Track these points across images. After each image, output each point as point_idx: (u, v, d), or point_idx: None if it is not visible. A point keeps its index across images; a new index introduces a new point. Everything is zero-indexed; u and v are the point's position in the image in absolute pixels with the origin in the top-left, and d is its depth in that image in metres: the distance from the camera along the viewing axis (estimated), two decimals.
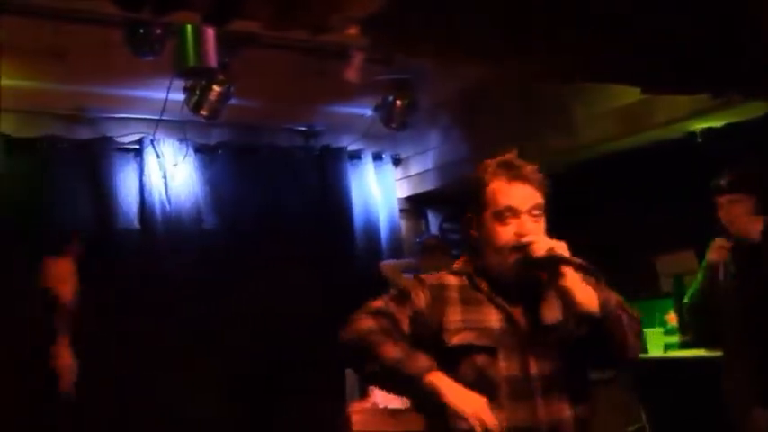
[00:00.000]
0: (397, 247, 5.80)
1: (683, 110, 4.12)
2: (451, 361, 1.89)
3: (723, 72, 3.04)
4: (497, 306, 1.94)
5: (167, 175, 4.96)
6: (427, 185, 5.84)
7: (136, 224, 4.86)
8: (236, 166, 5.25)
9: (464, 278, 2.00)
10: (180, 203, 4.98)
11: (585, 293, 1.83)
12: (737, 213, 3.26)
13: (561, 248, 1.86)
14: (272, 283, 5.06)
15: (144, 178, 4.89)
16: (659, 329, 4.50)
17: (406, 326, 1.95)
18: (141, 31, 3.61)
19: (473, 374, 1.88)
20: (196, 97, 4.30)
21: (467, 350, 1.90)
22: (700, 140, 4.38)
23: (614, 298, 1.91)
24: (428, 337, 1.93)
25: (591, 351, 1.90)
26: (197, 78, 4.15)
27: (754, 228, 3.23)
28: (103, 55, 3.88)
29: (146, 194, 4.87)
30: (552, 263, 1.84)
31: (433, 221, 6.15)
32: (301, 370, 4.95)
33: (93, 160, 4.78)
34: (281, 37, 3.83)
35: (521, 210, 1.92)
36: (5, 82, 4.07)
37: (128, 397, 4.44)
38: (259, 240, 5.14)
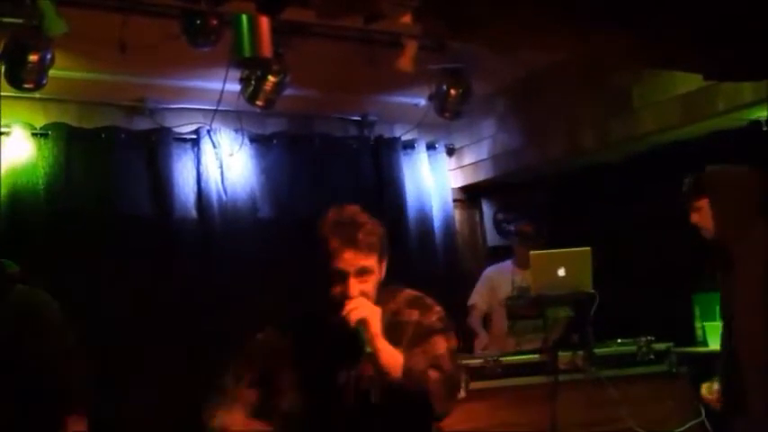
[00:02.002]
0: (450, 237, 5.77)
1: (746, 97, 3.99)
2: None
3: None
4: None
5: (223, 164, 5.02)
6: (481, 175, 5.80)
7: (193, 213, 4.93)
8: (290, 156, 5.29)
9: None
10: (236, 193, 5.05)
11: (390, 360, 1.94)
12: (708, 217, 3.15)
13: (354, 314, 1.96)
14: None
15: (201, 168, 4.97)
16: (719, 323, 4.38)
17: None
18: (198, 21, 3.65)
19: None
20: (252, 87, 4.33)
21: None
22: (765, 128, 4.24)
23: (424, 361, 1.99)
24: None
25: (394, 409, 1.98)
26: (252, 69, 4.18)
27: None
28: (162, 47, 3.92)
29: (203, 184, 4.95)
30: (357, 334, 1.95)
31: (488, 212, 6.10)
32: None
33: (152, 150, 4.87)
34: (335, 27, 3.83)
35: (349, 272, 2.03)
36: (68, 73, 4.19)
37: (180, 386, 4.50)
38: (313, 230, 5.15)
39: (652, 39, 2.60)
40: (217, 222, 4.96)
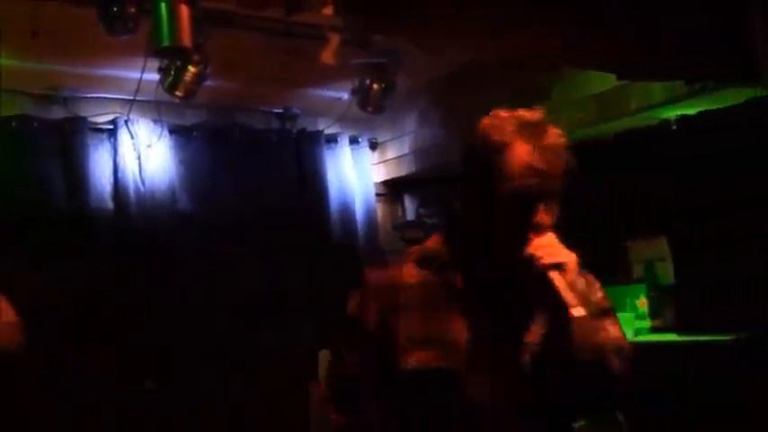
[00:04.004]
0: (372, 231, 5.80)
1: (657, 97, 4.15)
2: (403, 386, 1.51)
3: (698, 59, 3.06)
4: (467, 311, 1.53)
5: (141, 155, 4.91)
6: (404, 170, 5.84)
7: (110, 204, 4.81)
8: (211, 148, 5.21)
9: (429, 272, 1.58)
10: (154, 184, 4.95)
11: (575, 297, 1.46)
12: None
13: (571, 265, 1.50)
14: (246, 265, 5.06)
15: (118, 158, 4.85)
16: (630, 314, 4.55)
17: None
18: (115, 9, 3.56)
19: (429, 402, 1.49)
20: (171, 77, 4.25)
21: (423, 373, 1.50)
22: (674, 128, 4.42)
23: (610, 342, 1.57)
24: (383, 364, 1.53)
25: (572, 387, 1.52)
26: (172, 59, 4.10)
27: None
28: (78, 34, 3.82)
29: (119, 174, 4.83)
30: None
31: (410, 206, 6.16)
32: (275, 358, 4.97)
33: (67, 140, 4.72)
34: (258, 18, 3.79)
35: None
36: None
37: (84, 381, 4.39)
38: (233, 222, 5.12)
39: (568, 39, 2.67)
40: (134, 214, 4.85)
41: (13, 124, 4.56)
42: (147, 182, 4.91)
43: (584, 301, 1.49)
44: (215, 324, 4.88)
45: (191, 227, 5.02)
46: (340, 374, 1.65)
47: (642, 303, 4.56)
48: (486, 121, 1.62)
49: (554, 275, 1.46)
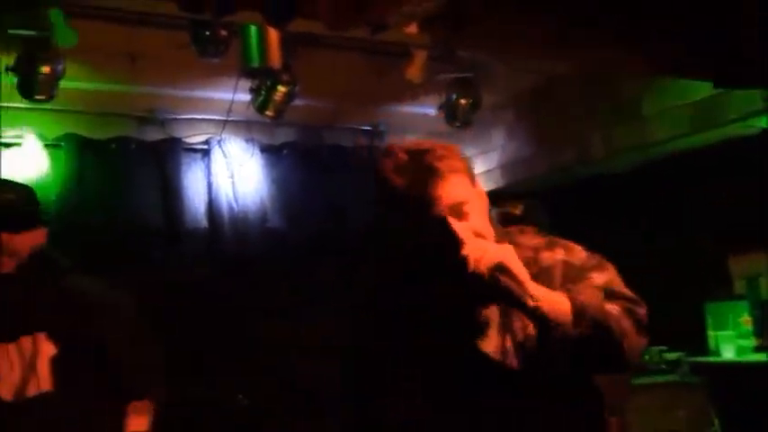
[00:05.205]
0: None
1: (757, 104, 3.97)
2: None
3: None
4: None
5: (234, 174, 5.04)
6: (491, 184, 5.78)
7: (204, 223, 4.95)
8: (300, 166, 5.30)
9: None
10: (246, 203, 5.06)
11: (555, 306, 1.43)
12: None
13: (513, 259, 1.44)
14: (335, 282, 5.09)
15: (212, 178, 4.99)
16: (732, 332, 4.35)
17: None
18: (206, 32, 3.67)
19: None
20: (261, 98, 4.35)
21: None
22: None
23: (594, 294, 1.49)
24: None
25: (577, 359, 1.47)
26: (262, 79, 4.20)
27: None
28: (172, 57, 3.96)
29: (213, 194, 4.97)
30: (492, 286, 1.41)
31: (497, 220, 6.09)
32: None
33: (163, 161, 4.90)
34: (344, 37, 3.84)
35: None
36: (80, 84, 4.22)
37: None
38: (323, 239, 5.18)
39: (656, 49, 2.59)
40: (227, 232, 4.97)
41: (113, 146, 4.76)
42: (239, 200, 5.03)
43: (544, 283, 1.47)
44: (302, 336, 4.92)
45: (281, 245, 5.10)
46: None
47: (746, 321, 4.35)
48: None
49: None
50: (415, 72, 4.21)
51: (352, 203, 5.39)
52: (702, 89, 3.97)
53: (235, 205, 5.03)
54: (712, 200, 4.56)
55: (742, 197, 4.33)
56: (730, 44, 2.59)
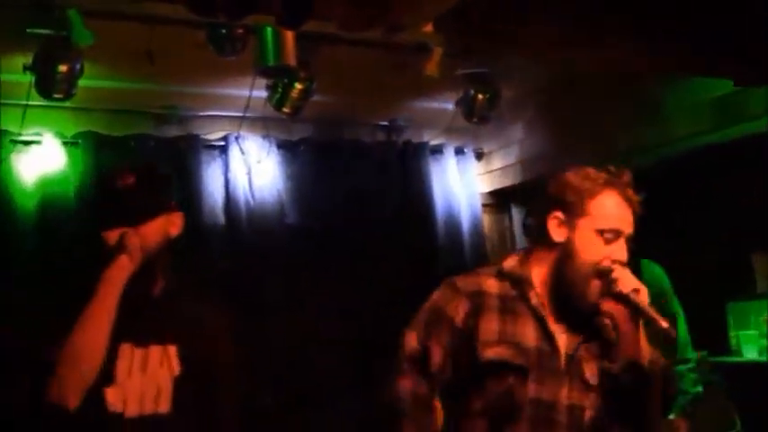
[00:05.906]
0: (479, 242, 5.73)
1: None
2: (480, 375, 1.83)
3: None
4: (538, 321, 1.86)
5: (251, 171, 5.04)
6: (510, 180, 5.75)
7: (221, 219, 4.96)
8: (318, 162, 5.28)
9: (507, 284, 1.92)
10: (264, 199, 5.06)
11: (636, 347, 1.78)
12: None
13: (643, 294, 1.79)
14: (353, 277, 5.09)
15: (229, 174, 4.99)
16: (754, 332, 4.29)
17: (438, 358, 1.89)
18: (223, 31, 3.66)
19: (499, 392, 1.81)
20: (278, 95, 4.34)
21: (499, 366, 1.83)
22: None
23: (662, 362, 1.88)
24: (464, 350, 1.87)
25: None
26: (278, 76, 4.19)
27: None
28: (189, 55, 3.96)
29: (231, 190, 4.97)
30: (630, 305, 1.78)
31: (517, 216, 6.05)
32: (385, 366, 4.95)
33: (181, 157, 4.90)
34: (360, 33, 3.82)
35: (623, 234, 1.89)
36: (98, 82, 4.23)
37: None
38: (341, 235, 5.17)
39: (662, 48, 2.54)
40: (244, 228, 4.98)
41: (132, 143, 4.76)
42: (256, 196, 5.03)
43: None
44: (320, 332, 4.92)
45: (299, 240, 5.10)
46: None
47: None
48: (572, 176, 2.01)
49: (635, 296, 1.77)
50: (432, 67, 4.18)
51: (369, 199, 5.38)
52: (724, 86, 3.91)
53: (252, 201, 5.04)
54: (735, 197, 4.50)
55: (765, 194, 4.26)
56: (736, 44, 2.54)
